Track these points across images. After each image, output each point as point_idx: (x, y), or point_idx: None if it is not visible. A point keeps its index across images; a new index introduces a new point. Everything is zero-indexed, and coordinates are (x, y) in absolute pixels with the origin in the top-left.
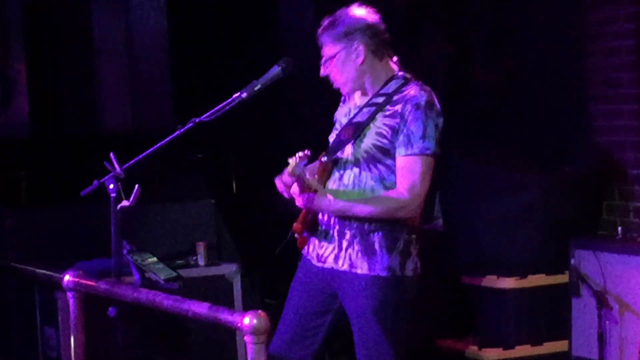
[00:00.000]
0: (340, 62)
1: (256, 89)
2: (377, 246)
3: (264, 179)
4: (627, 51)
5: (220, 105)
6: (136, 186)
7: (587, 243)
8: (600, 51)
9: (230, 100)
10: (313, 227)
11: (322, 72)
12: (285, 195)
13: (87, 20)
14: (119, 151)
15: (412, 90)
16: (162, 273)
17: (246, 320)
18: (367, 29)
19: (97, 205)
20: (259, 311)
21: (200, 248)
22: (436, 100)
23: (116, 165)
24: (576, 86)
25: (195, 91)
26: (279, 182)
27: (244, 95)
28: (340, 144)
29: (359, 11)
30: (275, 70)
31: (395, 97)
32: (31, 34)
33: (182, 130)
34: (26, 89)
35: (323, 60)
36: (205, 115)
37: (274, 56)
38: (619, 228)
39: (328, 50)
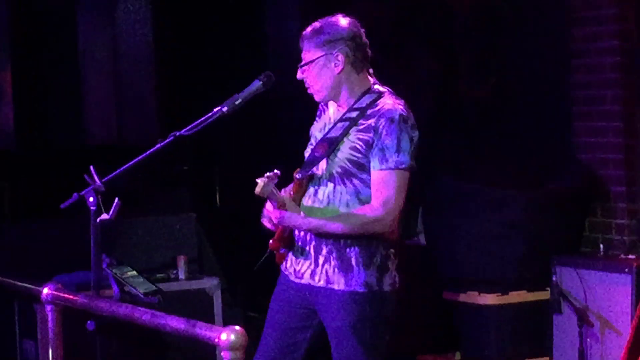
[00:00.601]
0: (319, 68)
1: (237, 103)
2: (353, 261)
3: (249, 192)
4: (611, 68)
5: (201, 120)
6: (116, 199)
7: (569, 260)
8: (584, 68)
9: (210, 114)
10: (290, 243)
11: (299, 75)
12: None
13: (72, 32)
14: (104, 164)
15: (386, 104)
16: (141, 287)
17: (224, 336)
18: (350, 41)
19: (78, 218)
20: (237, 327)
21: (181, 261)
22: (411, 114)
23: (96, 178)
24: (560, 103)
25: (181, 104)
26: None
27: (225, 109)
28: (314, 159)
29: (344, 22)
30: (256, 84)
31: (368, 111)
32: (17, 45)
33: (162, 143)
34: (11, 100)
35: (302, 63)
36: (185, 130)
37: (260, 68)
38: (601, 245)
39: (309, 55)
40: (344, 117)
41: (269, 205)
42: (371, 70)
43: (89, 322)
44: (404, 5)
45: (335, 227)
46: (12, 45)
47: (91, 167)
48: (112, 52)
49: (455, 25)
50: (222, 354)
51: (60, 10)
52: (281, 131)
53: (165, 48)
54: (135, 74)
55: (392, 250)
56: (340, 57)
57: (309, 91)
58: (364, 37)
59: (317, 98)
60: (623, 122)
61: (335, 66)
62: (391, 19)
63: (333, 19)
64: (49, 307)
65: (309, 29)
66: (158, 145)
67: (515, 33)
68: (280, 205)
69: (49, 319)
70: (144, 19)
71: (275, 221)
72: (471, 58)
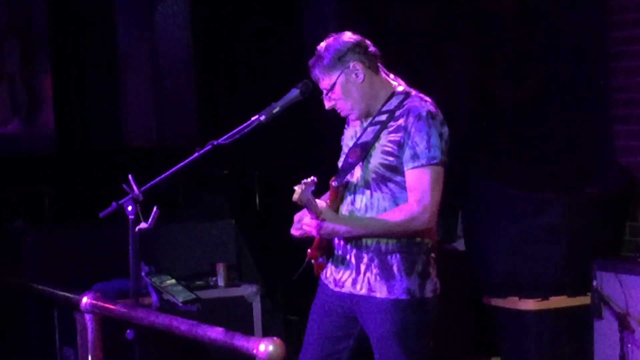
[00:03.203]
0: (342, 87)
1: (274, 111)
2: (395, 269)
3: (288, 197)
4: None
5: (238, 128)
6: (155, 208)
7: (609, 265)
8: (623, 70)
9: (248, 123)
10: (329, 252)
11: (327, 105)
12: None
13: (112, 35)
14: (143, 167)
15: (413, 102)
16: (180, 295)
17: (262, 347)
18: (356, 47)
19: (118, 225)
20: (275, 338)
21: (220, 269)
22: (439, 111)
23: (134, 187)
24: (599, 106)
25: (220, 106)
26: (294, 230)
27: (262, 118)
28: (349, 166)
29: (340, 37)
30: (294, 93)
31: (397, 113)
32: (56, 50)
33: (200, 152)
34: (52, 104)
35: (324, 93)
36: (223, 138)
37: (298, 70)
38: None
39: (327, 80)
40: (373, 121)
41: (305, 219)
42: (392, 75)
43: (128, 330)
44: (440, 6)
45: (375, 229)
46: (51, 49)
47: (130, 176)
48: (151, 55)
49: (492, 26)
50: None
51: (99, 14)
52: (321, 137)
53: (204, 51)
54: (174, 77)
55: (432, 255)
56: (358, 66)
57: (342, 114)
58: (365, 41)
59: (354, 117)
60: None
61: (357, 76)
62: (428, 20)
63: (329, 39)
64: (88, 316)
65: (312, 59)
66: (196, 154)
67: (553, 34)
68: (318, 215)
69: (88, 327)
70: (183, 22)
71: (314, 232)
72: (509, 60)
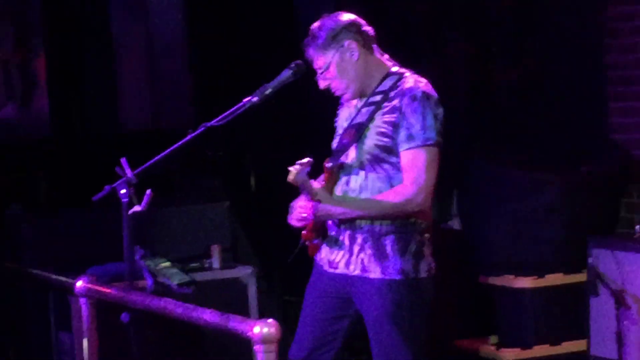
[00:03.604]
0: (337, 66)
1: (267, 92)
2: (389, 249)
3: (283, 178)
4: None
5: (231, 110)
6: (148, 191)
7: (605, 242)
8: (617, 48)
9: (240, 104)
10: (323, 234)
11: (321, 85)
12: (301, 225)
13: (106, 18)
14: (139, 150)
15: (408, 83)
16: (175, 278)
17: (257, 329)
18: (350, 26)
19: (112, 209)
20: (270, 320)
21: (215, 251)
22: (433, 91)
23: (127, 170)
24: (595, 84)
25: (215, 88)
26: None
27: (255, 99)
28: (343, 147)
29: (334, 16)
30: (286, 73)
31: (391, 94)
32: (50, 33)
33: (192, 135)
34: (46, 88)
35: (319, 72)
36: (215, 120)
37: (293, 52)
38: (637, 226)
39: (321, 59)
40: (368, 102)
41: (300, 202)
42: (386, 55)
43: (123, 314)
44: None
45: (370, 211)
46: (45, 32)
47: (122, 159)
48: (145, 38)
49: (489, 8)
50: (254, 347)
51: None
52: (315, 118)
53: (198, 34)
54: (169, 60)
55: (427, 235)
56: (353, 44)
57: (337, 94)
58: (359, 20)
59: (349, 97)
60: None
61: (351, 55)
62: (426, 4)
63: (323, 19)
64: (83, 300)
65: (306, 39)
66: (188, 137)
67: (548, 14)
68: (313, 196)
69: (83, 311)
70: (177, 4)
71: (309, 213)
72: (505, 41)
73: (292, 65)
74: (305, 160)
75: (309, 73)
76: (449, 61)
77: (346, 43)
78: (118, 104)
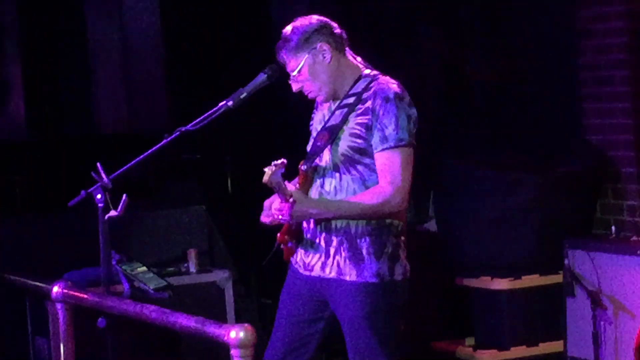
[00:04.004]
0: (310, 68)
1: (242, 97)
2: (364, 252)
3: (260, 182)
4: (618, 49)
5: (207, 114)
6: (124, 196)
7: (581, 243)
8: (591, 49)
9: (216, 108)
10: (298, 237)
11: (294, 87)
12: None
13: (81, 21)
14: (115, 154)
15: (380, 84)
16: (151, 282)
17: (232, 334)
18: (322, 29)
19: (88, 214)
20: (246, 324)
21: (191, 255)
22: (406, 92)
23: (103, 175)
24: (569, 85)
25: (191, 91)
26: (264, 216)
27: (230, 103)
28: (317, 150)
29: (305, 19)
30: (261, 77)
31: (364, 95)
32: (26, 36)
33: (168, 139)
34: (22, 91)
35: (291, 75)
36: (191, 125)
37: (268, 54)
38: (613, 227)
39: (293, 62)
40: (341, 104)
41: (274, 203)
42: (359, 58)
43: (99, 319)
44: None
45: (347, 213)
46: (20, 36)
47: (98, 164)
48: (120, 40)
49: (462, 8)
50: (231, 351)
51: (68, 1)
52: (292, 121)
53: (173, 35)
54: (144, 62)
55: (402, 238)
56: (325, 47)
57: (310, 97)
58: (331, 22)
59: (322, 99)
60: (632, 103)
61: (324, 57)
62: (399, 3)
63: (295, 22)
64: (59, 305)
65: (279, 42)
66: (164, 141)
67: (522, 15)
68: (288, 198)
69: (60, 316)
70: (152, 7)
71: (285, 215)
72: (479, 41)
73: (267, 69)
74: (280, 161)
75: (284, 76)
76: (423, 62)
77: (318, 45)
78: (94, 108)
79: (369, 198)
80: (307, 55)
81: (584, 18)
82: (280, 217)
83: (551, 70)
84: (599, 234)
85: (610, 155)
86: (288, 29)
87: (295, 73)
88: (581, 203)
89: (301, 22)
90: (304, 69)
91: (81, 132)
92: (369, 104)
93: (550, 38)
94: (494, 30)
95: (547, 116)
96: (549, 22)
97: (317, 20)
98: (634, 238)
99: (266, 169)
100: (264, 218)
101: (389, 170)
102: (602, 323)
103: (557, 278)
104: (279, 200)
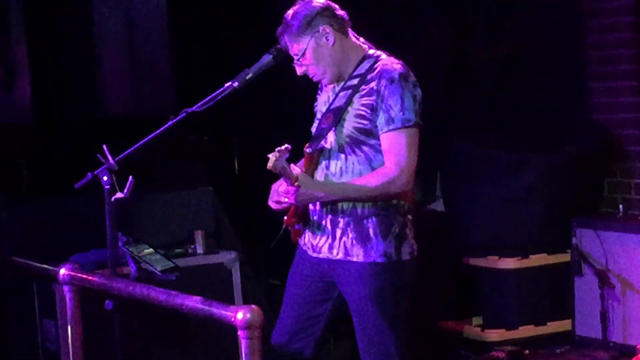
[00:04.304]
0: (314, 52)
1: (248, 77)
2: (371, 232)
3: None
4: (625, 28)
5: (212, 95)
6: (130, 177)
7: (588, 222)
8: (598, 28)
9: (222, 89)
10: (305, 219)
11: (298, 71)
12: (279, 207)
13: (86, 4)
14: (121, 136)
15: (385, 65)
16: (158, 264)
17: (239, 315)
18: (324, 11)
19: (95, 196)
20: (253, 306)
21: (199, 236)
22: (410, 72)
23: (109, 157)
24: (575, 64)
25: (197, 73)
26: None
27: (236, 84)
28: (322, 132)
29: (307, 2)
30: (267, 58)
31: (369, 76)
32: (31, 19)
33: (174, 121)
34: (28, 74)
35: (295, 59)
36: (197, 106)
37: (273, 35)
38: (620, 206)
39: (297, 46)
40: (345, 85)
41: (280, 186)
42: (362, 39)
43: (107, 301)
44: None
45: (352, 191)
46: (26, 19)
47: (104, 146)
48: (126, 23)
49: None
50: (238, 333)
51: None
52: (299, 102)
53: (179, 18)
54: (150, 45)
55: (409, 217)
56: (328, 29)
57: (315, 79)
58: (332, 4)
59: (327, 82)
60: (638, 81)
61: (327, 40)
62: None
63: (295, 6)
64: (66, 288)
65: (280, 28)
66: (170, 123)
67: None
68: (293, 182)
69: (67, 299)
70: None
71: (291, 198)
72: (484, 21)
73: (272, 50)
74: (284, 147)
75: (290, 57)
76: (428, 42)
77: (321, 28)
78: (99, 91)
79: (375, 179)
80: (310, 39)
81: None
82: (286, 200)
83: (557, 50)
84: (607, 212)
85: (617, 134)
86: (289, 13)
87: (299, 57)
88: (588, 182)
89: (303, 5)
90: (308, 53)
91: (87, 115)
92: (373, 84)
93: (556, 17)
94: (498, 10)
95: (553, 95)
96: (555, 1)
97: (319, 3)
98: None
99: (270, 155)
100: (272, 203)
101: (395, 151)
102: (609, 302)
103: (565, 257)
104: (285, 183)
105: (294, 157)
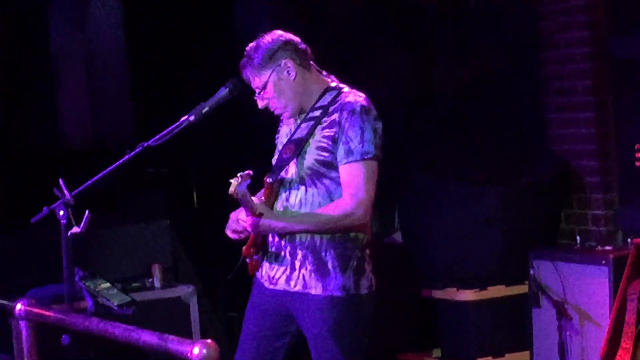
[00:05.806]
0: (275, 86)
1: (204, 111)
2: (330, 265)
3: (226, 196)
4: (581, 59)
5: (168, 129)
6: (86, 212)
7: (546, 253)
8: (555, 60)
9: (178, 123)
10: (263, 249)
11: (260, 104)
12: (237, 237)
13: (45, 35)
14: (80, 169)
15: (347, 98)
16: (115, 299)
17: (195, 350)
18: (286, 45)
19: (52, 230)
20: (209, 340)
21: (156, 270)
22: (372, 106)
23: (65, 192)
24: (533, 95)
25: (156, 106)
26: (229, 231)
27: (192, 118)
28: (283, 162)
29: (270, 35)
30: (223, 92)
31: (331, 108)
32: None
33: (130, 155)
34: None
35: (257, 92)
36: (153, 140)
37: (232, 67)
38: (578, 237)
39: (258, 79)
40: (307, 117)
41: (240, 215)
42: (324, 72)
43: (63, 336)
44: (374, 0)
45: (311, 225)
46: None
47: (60, 181)
48: (85, 55)
49: (426, 20)
50: None
51: (32, 14)
52: (258, 135)
53: (138, 51)
54: (109, 77)
55: (367, 251)
56: (289, 63)
57: (276, 113)
58: (294, 38)
59: (288, 115)
60: (595, 113)
61: (289, 74)
62: (362, 15)
63: (258, 39)
64: (22, 323)
65: (243, 60)
66: (126, 157)
67: (485, 26)
68: (254, 212)
69: (23, 334)
70: (116, 22)
71: (249, 228)
72: (443, 53)
73: (229, 83)
74: (245, 172)
75: (250, 89)
76: (388, 73)
77: (283, 62)
78: (58, 123)
79: (332, 211)
80: (271, 73)
81: (546, 29)
82: (245, 229)
83: (515, 82)
84: (564, 243)
85: (574, 165)
86: (252, 46)
87: (260, 91)
88: (546, 213)
89: (265, 39)
90: (269, 87)
91: (45, 146)
92: (335, 116)
93: (514, 50)
94: (458, 43)
95: (512, 127)
96: (513, 34)
97: (281, 36)
98: (599, 248)
99: (232, 180)
100: (230, 233)
101: (353, 183)
102: (567, 333)
103: (523, 288)
104: (245, 212)
105: (254, 188)
